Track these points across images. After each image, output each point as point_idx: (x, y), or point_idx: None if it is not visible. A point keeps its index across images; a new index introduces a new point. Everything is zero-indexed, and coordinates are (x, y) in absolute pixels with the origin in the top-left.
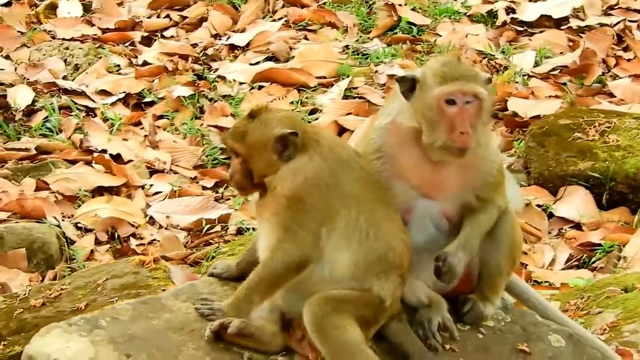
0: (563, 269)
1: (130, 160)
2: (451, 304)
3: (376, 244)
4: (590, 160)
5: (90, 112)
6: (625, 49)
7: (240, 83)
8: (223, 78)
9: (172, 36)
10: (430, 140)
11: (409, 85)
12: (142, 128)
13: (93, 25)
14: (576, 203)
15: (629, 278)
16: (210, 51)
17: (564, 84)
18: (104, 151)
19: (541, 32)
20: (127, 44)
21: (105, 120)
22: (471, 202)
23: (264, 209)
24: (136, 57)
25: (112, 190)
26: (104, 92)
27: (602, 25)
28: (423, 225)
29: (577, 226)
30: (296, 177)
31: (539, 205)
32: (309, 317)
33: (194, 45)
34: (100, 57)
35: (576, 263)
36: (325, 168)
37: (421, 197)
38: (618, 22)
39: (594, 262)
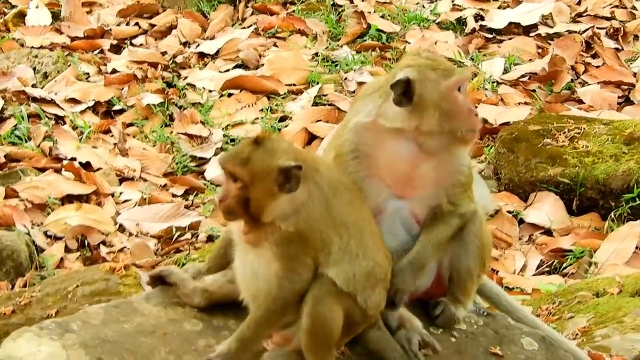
0: (534, 274)
1: (100, 168)
2: (423, 307)
3: (364, 262)
4: (560, 166)
5: (59, 120)
6: (594, 56)
7: (210, 90)
8: (192, 86)
9: (141, 44)
10: (451, 128)
11: (402, 90)
12: (112, 136)
13: (62, 33)
14: (546, 209)
15: (600, 283)
16: (179, 59)
17: (533, 90)
18: (74, 159)
19: (510, 39)
20: (96, 52)
21: (74, 128)
22: (440, 205)
23: (256, 237)
24: (105, 65)
25: (82, 198)
26: (73, 100)
27: (570, 32)
28: (393, 227)
29: (548, 232)
30: (299, 214)
31: (509, 212)
32: (316, 289)
33: (163, 53)
34: (69, 65)
35: (547, 269)
36: (323, 202)
37: (393, 198)
38: (586, 30)
39: (565, 268)
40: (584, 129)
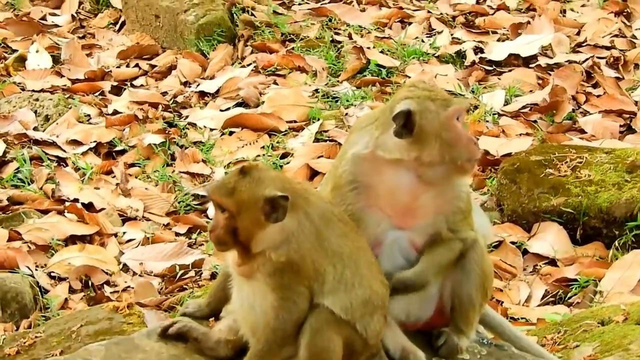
0: (539, 305)
1: (103, 209)
2: (425, 338)
3: (360, 291)
4: (563, 196)
5: (61, 162)
6: (595, 86)
7: (211, 129)
8: (193, 125)
9: (141, 85)
10: (451, 156)
11: (404, 121)
12: (114, 176)
13: (62, 76)
14: (550, 239)
15: (606, 311)
16: (180, 99)
17: (535, 121)
18: (76, 200)
19: (510, 70)
20: (96, 94)
21: (76, 169)
22: (440, 233)
23: (248, 269)
24: (106, 106)
25: (85, 239)
26: (74, 142)
27: (570, 62)
28: (392, 256)
29: (552, 262)
30: (289, 244)
31: (513, 242)
32: (312, 319)
33: (164, 94)
34: (70, 108)
35: (552, 299)
36: (314, 232)
37: (392, 228)
38: (586, 59)
39: (570, 298)
40: (586, 158)
